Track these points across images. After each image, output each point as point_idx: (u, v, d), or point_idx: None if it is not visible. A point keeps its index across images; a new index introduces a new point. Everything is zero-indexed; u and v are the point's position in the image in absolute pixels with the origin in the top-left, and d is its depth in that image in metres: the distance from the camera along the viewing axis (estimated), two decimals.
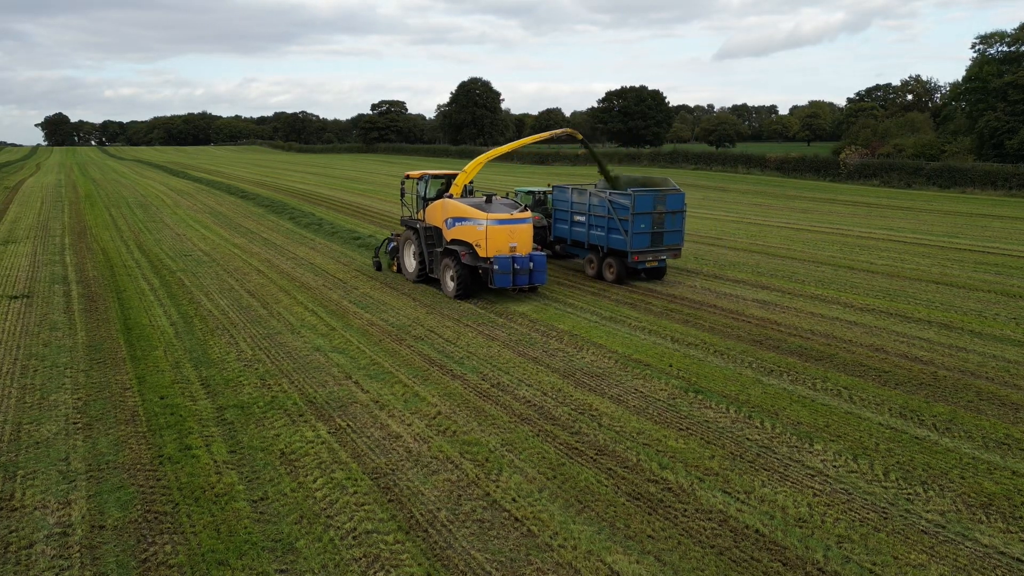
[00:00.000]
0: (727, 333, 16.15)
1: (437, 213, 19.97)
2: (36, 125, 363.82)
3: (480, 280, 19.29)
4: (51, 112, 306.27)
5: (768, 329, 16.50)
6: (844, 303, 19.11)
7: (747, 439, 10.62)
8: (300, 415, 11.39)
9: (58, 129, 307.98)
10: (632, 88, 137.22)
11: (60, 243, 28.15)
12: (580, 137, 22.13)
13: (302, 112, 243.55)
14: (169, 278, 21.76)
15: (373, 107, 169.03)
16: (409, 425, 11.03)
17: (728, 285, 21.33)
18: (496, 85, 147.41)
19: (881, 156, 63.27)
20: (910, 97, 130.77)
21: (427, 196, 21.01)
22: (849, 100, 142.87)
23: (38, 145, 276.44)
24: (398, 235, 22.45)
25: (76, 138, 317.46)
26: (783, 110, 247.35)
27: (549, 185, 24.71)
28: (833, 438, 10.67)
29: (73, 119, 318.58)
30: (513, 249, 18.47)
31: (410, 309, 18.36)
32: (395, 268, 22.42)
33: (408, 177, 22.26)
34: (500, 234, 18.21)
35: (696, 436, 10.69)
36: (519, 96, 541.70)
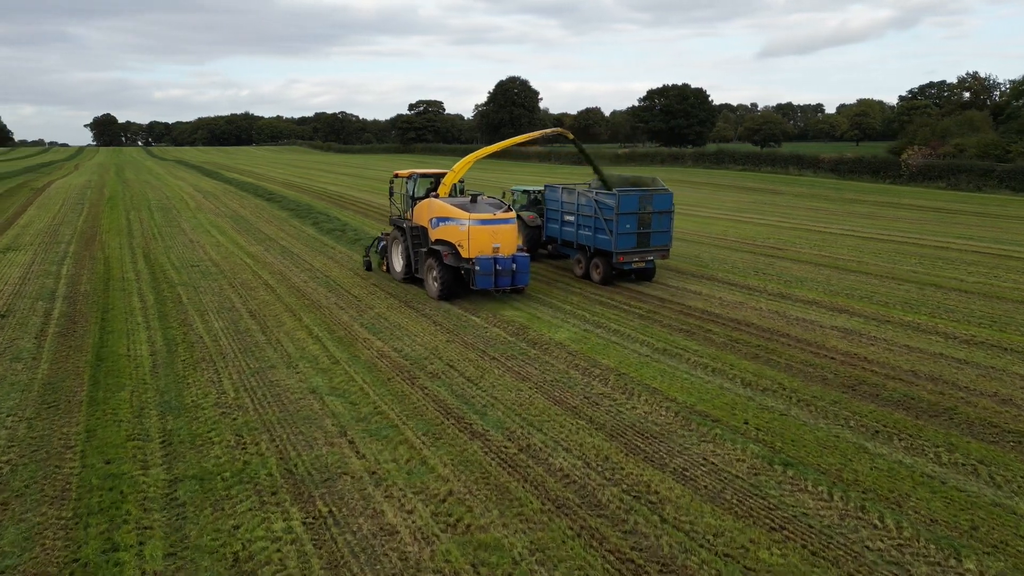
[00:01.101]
0: (809, 374, 13.24)
1: (423, 213, 19.78)
2: (85, 126, 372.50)
3: (463, 281, 18.89)
4: (101, 113, 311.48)
5: (859, 369, 13.54)
6: (943, 333, 16.01)
7: (867, 548, 7.78)
8: (273, 493, 8.86)
9: (106, 130, 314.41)
10: (675, 86, 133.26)
11: (64, 251, 26.27)
12: (571, 137, 21.92)
13: (341, 112, 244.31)
14: (167, 293, 19.56)
15: (411, 107, 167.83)
16: (410, 513, 8.42)
17: (799, 307, 18.36)
18: (535, 84, 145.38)
19: (945, 156, 58.96)
20: (967, 95, 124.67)
21: (415, 195, 20.71)
22: (901, 98, 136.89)
23: (85, 145, 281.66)
24: (388, 234, 22.13)
25: (124, 138, 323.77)
26: (830, 109, 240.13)
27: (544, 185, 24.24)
28: (988, 549, 7.77)
29: (121, 120, 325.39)
30: (496, 250, 18.24)
31: (428, 335, 15.81)
32: (384, 268, 22.22)
33: (397, 176, 22.09)
34: (482, 235, 18.03)
35: (795, 542, 7.88)
36: (557, 96, 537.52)
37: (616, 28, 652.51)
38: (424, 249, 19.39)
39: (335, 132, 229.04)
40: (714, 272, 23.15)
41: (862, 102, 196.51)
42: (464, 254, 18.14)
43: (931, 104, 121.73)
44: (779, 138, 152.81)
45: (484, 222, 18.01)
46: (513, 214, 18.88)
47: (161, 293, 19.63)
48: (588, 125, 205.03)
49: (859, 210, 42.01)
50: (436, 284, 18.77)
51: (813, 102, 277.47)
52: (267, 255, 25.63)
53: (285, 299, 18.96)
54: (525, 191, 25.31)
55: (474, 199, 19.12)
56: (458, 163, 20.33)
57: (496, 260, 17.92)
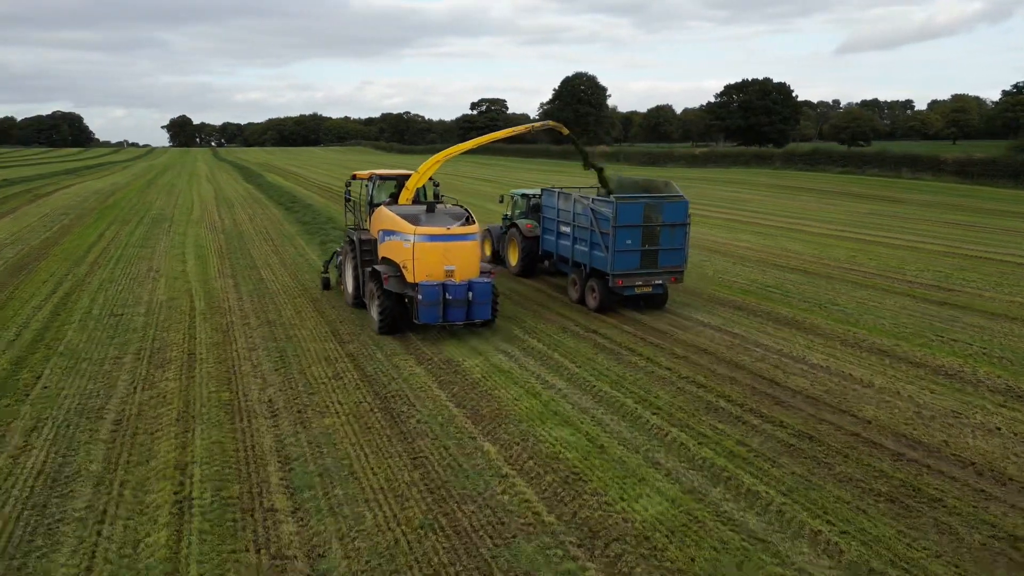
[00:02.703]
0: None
1: (376, 223, 16.57)
2: (162, 127, 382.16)
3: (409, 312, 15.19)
4: (185, 115, 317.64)
5: None
6: None
7: None
8: None
9: (182, 131, 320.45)
10: (755, 81, 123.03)
11: None
12: (566, 131, 18.77)
13: (406, 112, 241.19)
14: (23, 377, 12.81)
15: (473, 106, 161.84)
16: None
17: None
18: (604, 83, 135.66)
19: None
20: None
21: (374, 202, 17.31)
22: (1005, 93, 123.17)
23: (156, 147, 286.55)
24: None
25: (198, 140, 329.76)
26: (919, 105, 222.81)
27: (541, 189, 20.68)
28: None
29: (196, 121, 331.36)
30: (449, 274, 14.63)
31: (341, 407, 8.48)
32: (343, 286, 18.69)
33: (355, 178, 18.97)
34: (431, 254, 14.56)
35: None
36: (628, 95, 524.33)
37: (690, 26, 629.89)
38: (369, 269, 15.97)
39: (399, 132, 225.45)
40: (869, 335, 15.11)
41: (957, 97, 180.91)
42: (409, 278, 14.70)
43: None
44: (868, 136, 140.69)
45: (433, 238, 14.55)
46: (475, 228, 15.26)
47: (13, 373, 12.89)
48: (658, 123, 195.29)
49: (1020, 227, 32.71)
50: (375, 314, 15.39)
51: (898, 99, 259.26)
52: (228, 296, 18.80)
53: (188, 393, 11.91)
54: (525, 195, 21.72)
55: (431, 207, 15.83)
56: (425, 163, 17.01)
57: (446, 287, 14.26)
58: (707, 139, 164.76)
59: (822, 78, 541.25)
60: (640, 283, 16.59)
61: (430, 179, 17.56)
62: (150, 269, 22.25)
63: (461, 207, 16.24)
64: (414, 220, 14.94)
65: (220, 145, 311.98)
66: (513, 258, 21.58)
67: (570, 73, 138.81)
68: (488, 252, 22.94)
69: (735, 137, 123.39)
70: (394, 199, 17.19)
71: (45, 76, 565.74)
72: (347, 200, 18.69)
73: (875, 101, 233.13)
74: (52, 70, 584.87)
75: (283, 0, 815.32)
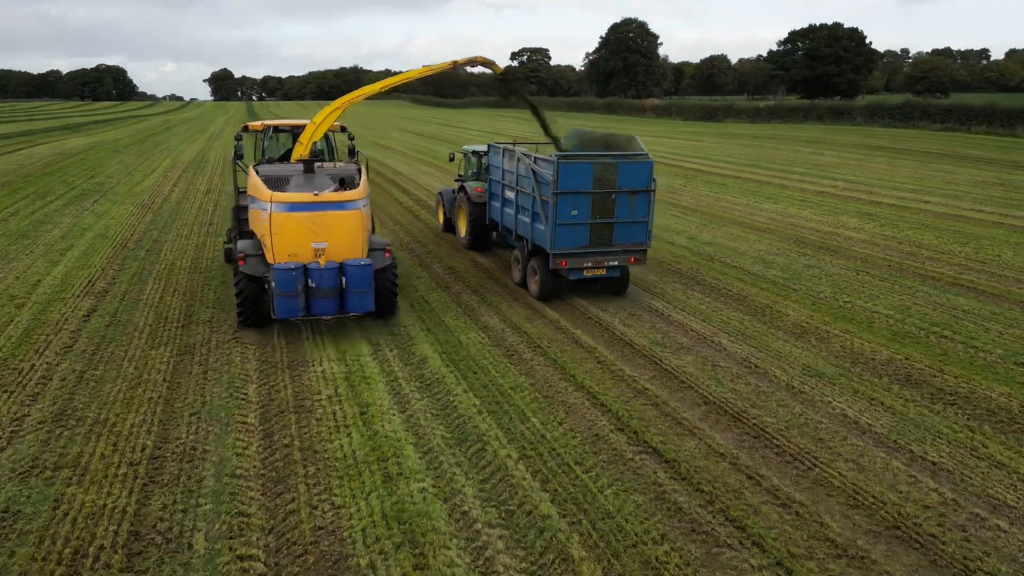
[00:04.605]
0: None
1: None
2: (204, 81, 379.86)
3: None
4: (231, 69, 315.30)
5: None
6: None
7: None
8: None
9: (223, 84, 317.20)
10: (823, 26, 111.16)
11: None
12: (499, 70, 15.41)
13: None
14: None
15: (513, 55, 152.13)
16: None
17: None
18: (653, 28, 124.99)
19: None
20: None
21: (269, 157, 14.79)
22: None
23: (192, 100, 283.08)
24: None
25: (240, 93, 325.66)
26: (995, 55, 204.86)
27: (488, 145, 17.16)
28: None
29: (237, 75, 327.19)
30: (319, 253, 11.45)
31: None
32: None
33: (247, 129, 15.69)
34: (293, 227, 11.43)
35: None
36: (678, 47, 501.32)
37: None
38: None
39: (438, 85, 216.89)
40: None
41: None
42: (269, 258, 11.60)
43: None
44: (947, 88, 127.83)
45: (296, 207, 11.46)
46: (355, 194, 11.87)
47: None
48: (712, 75, 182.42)
49: None
50: (237, 302, 12.07)
51: (972, 47, 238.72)
52: (63, 326, 11.94)
53: None
54: (476, 152, 18.61)
55: (309, 167, 12.87)
56: (322, 111, 13.58)
57: (308, 271, 11.17)
58: (764, 91, 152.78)
59: (885, 27, 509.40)
60: (590, 264, 13.57)
61: (344, 130, 15.42)
62: None
63: (356, 165, 13.62)
64: (277, 184, 12.22)
65: (260, 99, 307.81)
66: (463, 227, 18.40)
67: (618, 20, 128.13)
68: (441, 220, 20.51)
69: (797, 89, 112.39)
70: (288, 156, 14.27)
71: (100, 31, 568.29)
72: (238, 158, 14.64)
73: (947, 50, 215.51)
74: (106, 25, 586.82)
75: None
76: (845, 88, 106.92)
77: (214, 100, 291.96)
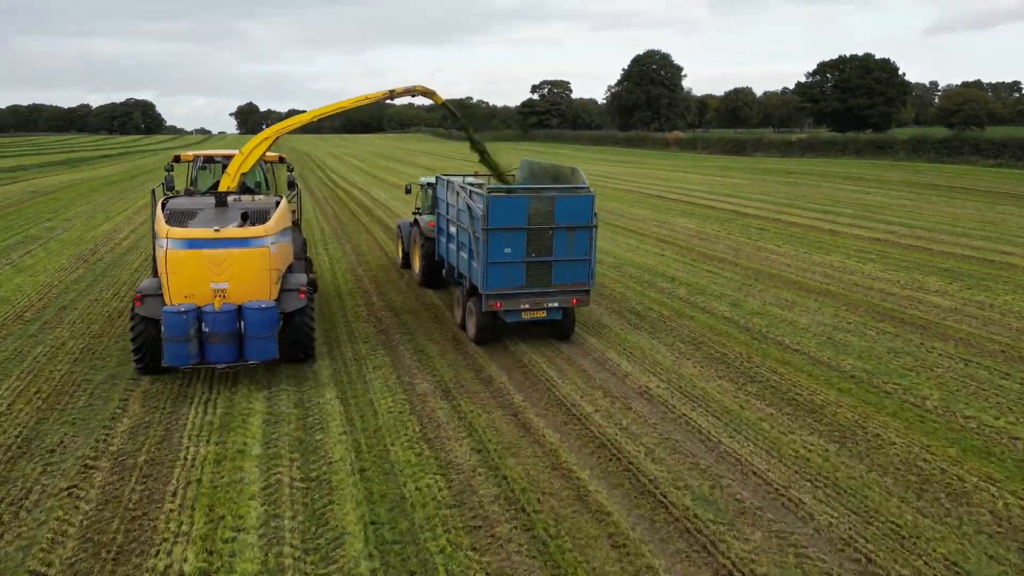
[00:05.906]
0: None
1: None
2: (230, 114, 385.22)
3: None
4: (260, 103, 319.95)
5: None
6: None
7: None
8: None
9: (249, 118, 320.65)
10: (853, 57, 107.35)
11: None
12: (440, 100, 15.82)
13: (469, 98, 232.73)
14: None
15: (534, 88, 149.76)
16: None
17: None
18: (677, 60, 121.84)
19: None
20: None
21: (188, 189, 14.26)
22: None
23: (217, 133, 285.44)
24: None
25: (264, 126, 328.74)
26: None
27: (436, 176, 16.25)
28: None
29: (264, 109, 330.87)
30: (220, 295, 10.57)
31: None
32: None
33: (179, 160, 15.24)
34: (189, 265, 10.61)
35: None
36: (702, 80, 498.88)
37: (768, 4, 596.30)
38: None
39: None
40: None
41: None
42: (166, 299, 10.75)
43: None
44: (982, 121, 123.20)
45: (193, 243, 10.62)
46: (260, 231, 11.09)
47: None
48: (736, 107, 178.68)
49: None
50: (132, 347, 11.32)
51: (1003, 80, 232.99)
52: None
53: None
54: (430, 184, 16.91)
55: (222, 200, 12.05)
56: (251, 141, 13.25)
57: (200, 314, 10.29)
58: (790, 124, 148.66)
59: (912, 60, 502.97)
60: (527, 306, 12.62)
61: (282, 161, 15.28)
62: None
63: (277, 198, 12.89)
64: (181, 219, 11.25)
65: None
66: (417, 263, 17.60)
67: (641, 52, 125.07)
68: (400, 255, 19.48)
69: (826, 122, 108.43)
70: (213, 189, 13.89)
71: (134, 66, 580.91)
72: (169, 189, 14.39)
73: (978, 83, 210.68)
74: (140, 62, 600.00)
75: None
76: (877, 121, 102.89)
77: (239, 133, 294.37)
